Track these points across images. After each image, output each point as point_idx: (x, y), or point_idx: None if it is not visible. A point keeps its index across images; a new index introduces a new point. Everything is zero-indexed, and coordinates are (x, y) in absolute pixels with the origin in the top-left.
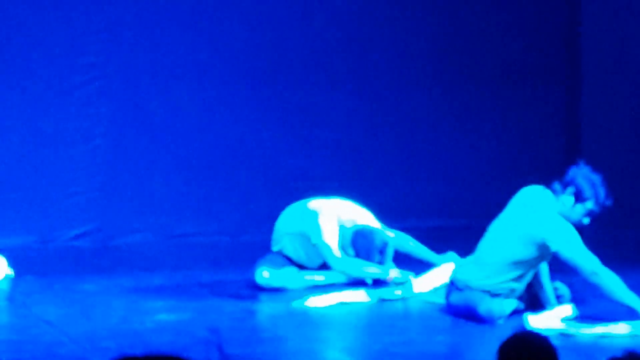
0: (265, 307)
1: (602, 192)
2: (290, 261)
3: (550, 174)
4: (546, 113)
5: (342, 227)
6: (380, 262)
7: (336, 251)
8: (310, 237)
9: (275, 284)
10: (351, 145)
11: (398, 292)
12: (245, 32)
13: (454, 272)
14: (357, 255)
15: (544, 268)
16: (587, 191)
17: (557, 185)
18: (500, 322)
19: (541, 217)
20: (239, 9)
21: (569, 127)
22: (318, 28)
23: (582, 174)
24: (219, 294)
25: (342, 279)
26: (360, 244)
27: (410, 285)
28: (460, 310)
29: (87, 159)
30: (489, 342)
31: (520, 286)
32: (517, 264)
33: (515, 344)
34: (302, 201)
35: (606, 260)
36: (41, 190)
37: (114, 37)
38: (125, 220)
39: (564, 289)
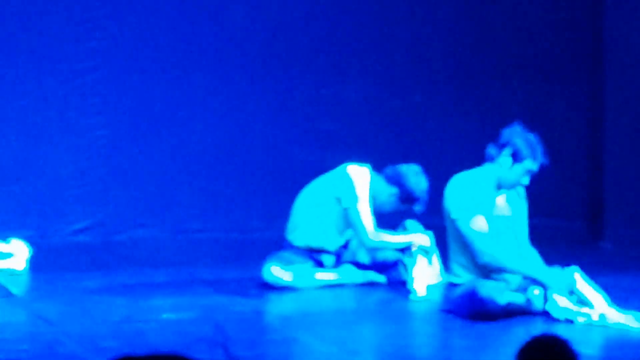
0: (274, 307)
1: (538, 149)
2: (303, 253)
3: (572, 171)
4: (569, 110)
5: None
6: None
7: (368, 220)
8: (342, 199)
9: (284, 282)
10: (363, 140)
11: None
12: (254, 24)
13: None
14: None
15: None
16: (524, 150)
17: (492, 150)
18: (502, 302)
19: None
20: (245, 1)
21: (592, 123)
22: (331, 19)
23: (516, 133)
24: (225, 292)
25: (354, 278)
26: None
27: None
28: (460, 300)
29: (89, 151)
30: (506, 345)
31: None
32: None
33: (536, 349)
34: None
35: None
36: (41, 184)
37: (116, 28)
38: (128, 215)
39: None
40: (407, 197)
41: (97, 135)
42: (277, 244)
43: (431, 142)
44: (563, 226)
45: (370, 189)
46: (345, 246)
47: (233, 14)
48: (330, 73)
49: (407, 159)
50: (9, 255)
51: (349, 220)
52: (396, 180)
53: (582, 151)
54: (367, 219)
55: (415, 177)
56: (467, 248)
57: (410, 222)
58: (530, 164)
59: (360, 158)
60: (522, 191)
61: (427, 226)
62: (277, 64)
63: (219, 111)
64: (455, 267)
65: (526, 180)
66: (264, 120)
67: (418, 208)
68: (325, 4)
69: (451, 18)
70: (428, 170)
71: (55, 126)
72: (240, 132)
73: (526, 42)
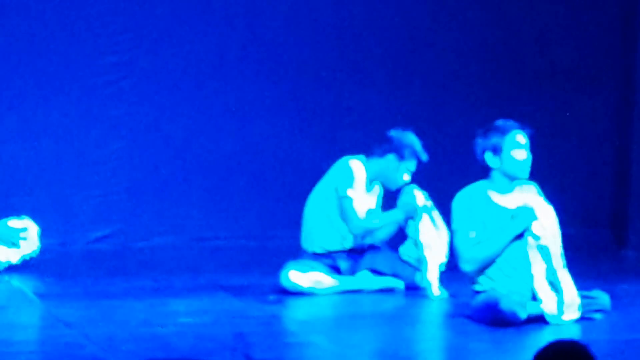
0: (292, 312)
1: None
2: (321, 259)
3: (597, 179)
4: (596, 118)
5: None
6: None
7: (360, 209)
8: (338, 189)
9: (302, 287)
10: None
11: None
12: (273, 31)
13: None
14: None
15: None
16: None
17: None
18: (523, 317)
19: None
20: (266, 9)
21: (618, 132)
22: (353, 25)
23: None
24: (243, 297)
25: (372, 284)
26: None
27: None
28: (481, 309)
29: (109, 160)
30: (524, 350)
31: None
32: None
33: (554, 353)
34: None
35: None
36: (62, 192)
37: (137, 38)
38: (147, 222)
39: (604, 298)
40: (404, 152)
41: (117, 145)
42: (295, 250)
43: (459, 152)
44: (587, 234)
45: (370, 175)
46: (362, 252)
47: (256, 22)
48: (349, 80)
49: (431, 168)
50: (24, 229)
51: (342, 210)
52: (386, 148)
53: (607, 159)
54: (358, 206)
55: (399, 133)
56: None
57: (407, 187)
58: (510, 141)
59: None
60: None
61: None
62: (291, 72)
63: (237, 120)
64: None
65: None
66: (282, 128)
67: (422, 157)
68: (355, 12)
69: (478, 26)
70: (457, 178)
71: (76, 136)
72: (258, 140)
73: (555, 50)
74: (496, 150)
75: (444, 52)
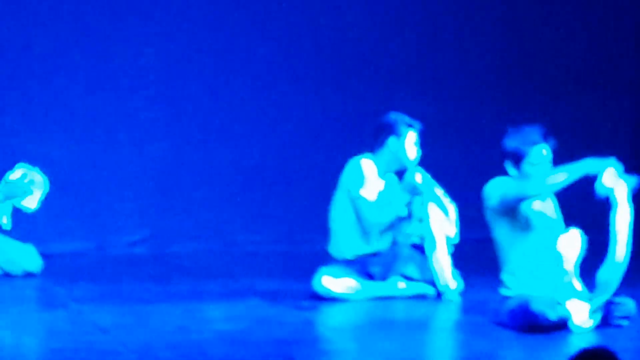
0: (325, 318)
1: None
2: (353, 265)
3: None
4: (614, 122)
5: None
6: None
7: (373, 205)
8: (350, 190)
9: (335, 293)
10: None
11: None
12: (314, 34)
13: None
14: None
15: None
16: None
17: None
18: (553, 318)
19: None
20: (306, 14)
21: (636, 135)
22: (377, 30)
23: (383, 119)
24: (276, 303)
25: (404, 290)
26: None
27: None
28: (512, 312)
29: (144, 165)
30: (556, 357)
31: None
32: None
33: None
34: None
35: None
36: (97, 196)
37: (172, 46)
38: (182, 227)
39: (630, 305)
40: (398, 129)
41: (152, 149)
42: (328, 256)
43: (478, 155)
44: (604, 239)
45: (382, 168)
46: (394, 259)
47: (300, 22)
48: (375, 84)
49: (453, 173)
50: (24, 175)
51: (356, 209)
52: (382, 136)
53: (625, 163)
54: (371, 201)
55: (383, 118)
56: (517, 256)
57: (409, 170)
58: (535, 155)
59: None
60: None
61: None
62: (321, 78)
63: (274, 125)
64: (506, 277)
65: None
66: (320, 134)
67: (414, 124)
68: (378, 18)
69: (497, 30)
70: (475, 183)
71: (111, 141)
72: (294, 145)
73: (572, 54)
74: (517, 159)
75: (461, 56)
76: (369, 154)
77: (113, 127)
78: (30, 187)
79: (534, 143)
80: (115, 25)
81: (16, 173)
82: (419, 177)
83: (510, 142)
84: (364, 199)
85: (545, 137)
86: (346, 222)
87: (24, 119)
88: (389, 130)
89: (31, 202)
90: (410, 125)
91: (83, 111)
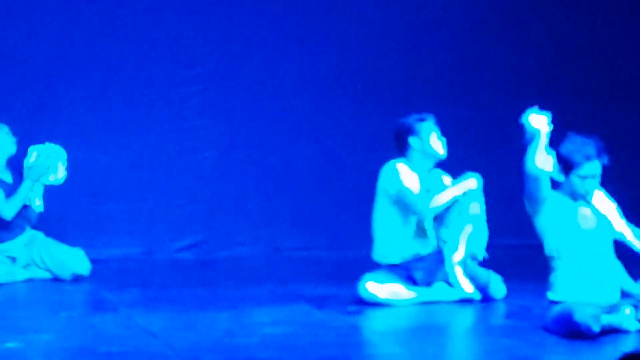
0: (371, 323)
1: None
2: (398, 270)
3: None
4: None
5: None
6: None
7: (418, 191)
8: (389, 190)
9: (380, 298)
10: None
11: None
12: (358, 42)
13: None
14: None
15: None
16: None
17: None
18: (596, 330)
19: None
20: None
21: None
22: (406, 35)
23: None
24: (324, 308)
25: (448, 295)
26: None
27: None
28: (556, 321)
29: (193, 171)
30: None
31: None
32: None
33: None
34: None
35: None
36: (147, 201)
37: (222, 49)
38: (230, 232)
39: None
40: (413, 128)
41: (200, 157)
42: (373, 262)
43: (509, 162)
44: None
45: (417, 170)
46: (437, 264)
47: (335, 32)
48: (420, 92)
49: (485, 177)
50: (41, 153)
51: (404, 204)
52: (403, 140)
53: None
54: (417, 192)
55: (396, 124)
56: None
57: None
58: (586, 169)
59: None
60: (604, 193)
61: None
62: (367, 82)
63: (318, 132)
64: (555, 281)
65: (589, 186)
66: (366, 141)
67: (425, 116)
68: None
69: (529, 38)
70: (511, 190)
71: (161, 147)
72: (341, 151)
73: (603, 61)
74: (568, 167)
75: (500, 65)
76: (402, 159)
77: (163, 134)
78: (52, 162)
79: (588, 158)
80: (172, 33)
81: (32, 156)
82: (474, 183)
83: (566, 149)
84: (408, 190)
85: (600, 153)
86: (388, 227)
87: (75, 124)
88: (406, 132)
89: (58, 175)
90: (422, 120)
91: (134, 118)
